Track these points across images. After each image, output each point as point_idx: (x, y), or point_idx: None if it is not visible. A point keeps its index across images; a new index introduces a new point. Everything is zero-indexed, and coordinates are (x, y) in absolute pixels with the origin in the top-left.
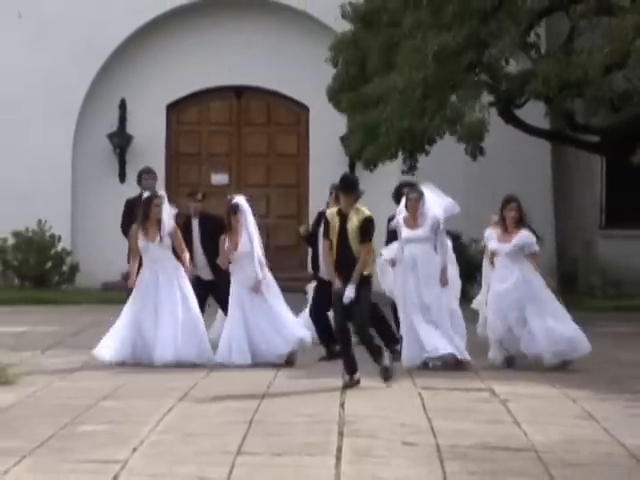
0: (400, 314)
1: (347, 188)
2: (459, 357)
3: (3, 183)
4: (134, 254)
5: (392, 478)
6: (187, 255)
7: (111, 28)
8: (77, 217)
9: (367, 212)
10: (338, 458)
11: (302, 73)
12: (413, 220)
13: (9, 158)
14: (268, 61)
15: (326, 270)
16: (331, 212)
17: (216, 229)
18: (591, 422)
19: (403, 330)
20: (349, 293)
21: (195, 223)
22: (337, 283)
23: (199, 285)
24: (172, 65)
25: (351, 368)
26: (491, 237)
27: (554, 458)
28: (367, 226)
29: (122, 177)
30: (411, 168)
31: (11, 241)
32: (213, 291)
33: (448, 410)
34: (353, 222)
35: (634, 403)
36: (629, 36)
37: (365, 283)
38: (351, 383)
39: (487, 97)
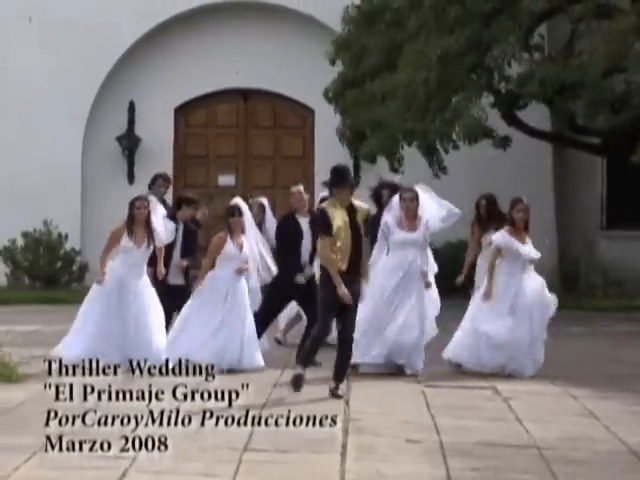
0: (366, 312)
1: (342, 180)
2: (408, 371)
3: (14, 184)
4: (107, 252)
5: (396, 475)
6: (162, 266)
7: (120, 32)
8: (86, 218)
9: (365, 205)
10: (343, 455)
11: (308, 76)
12: (410, 222)
13: (19, 160)
14: (274, 65)
15: (331, 271)
16: (332, 208)
17: (196, 233)
18: (592, 420)
19: (366, 328)
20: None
21: (180, 227)
22: (344, 288)
23: (169, 292)
24: (180, 68)
25: (308, 362)
26: (507, 237)
27: (556, 455)
28: (368, 222)
29: (131, 178)
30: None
31: (20, 242)
32: (179, 296)
33: (451, 408)
34: (360, 217)
35: (634, 401)
36: (628, 38)
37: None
38: (298, 378)
39: (487, 99)
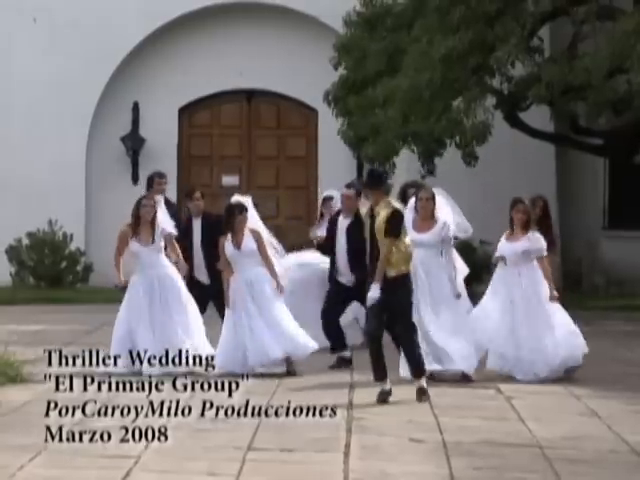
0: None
1: (374, 183)
2: (467, 372)
3: (19, 184)
4: (119, 253)
5: (399, 474)
6: (181, 256)
7: (124, 33)
8: (91, 218)
9: (396, 205)
10: (346, 454)
11: (311, 77)
12: (423, 222)
13: (24, 160)
14: (278, 65)
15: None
16: (365, 213)
17: (219, 230)
18: (595, 419)
19: None
20: (372, 293)
21: (197, 224)
22: (374, 287)
23: (199, 289)
24: (184, 69)
25: (381, 375)
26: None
27: (558, 454)
28: (392, 220)
29: (135, 179)
30: (429, 172)
31: (25, 242)
32: (213, 296)
33: (454, 407)
34: (380, 217)
35: (637, 400)
36: (631, 39)
37: (401, 284)
38: (384, 394)
39: (491, 100)
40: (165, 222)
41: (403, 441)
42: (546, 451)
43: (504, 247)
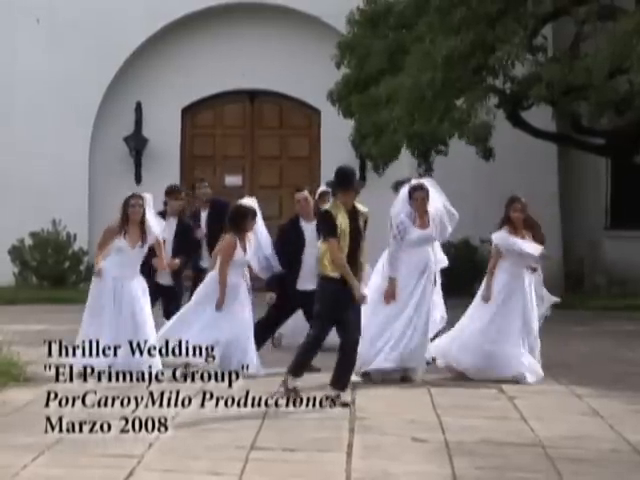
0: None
1: (345, 183)
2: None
3: (22, 184)
4: (101, 249)
5: (402, 473)
6: (163, 263)
7: (127, 33)
8: (94, 218)
9: (365, 208)
10: (349, 454)
11: (314, 77)
12: (421, 219)
13: (27, 160)
14: (281, 66)
15: (345, 272)
16: (335, 209)
17: (190, 235)
18: (596, 418)
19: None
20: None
21: (171, 224)
22: (360, 289)
23: (156, 290)
24: (187, 70)
25: (301, 371)
26: (507, 237)
27: (560, 454)
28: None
29: (138, 179)
30: (427, 170)
31: (29, 242)
32: (167, 297)
33: (457, 407)
34: (362, 219)
35: (639, 400)
36: (631, 39)
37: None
38: (290, 390)
39: (494, 99)
40: (154, 224)
41: (405, 441)
42: (548, 450)
43: (519, 243)
